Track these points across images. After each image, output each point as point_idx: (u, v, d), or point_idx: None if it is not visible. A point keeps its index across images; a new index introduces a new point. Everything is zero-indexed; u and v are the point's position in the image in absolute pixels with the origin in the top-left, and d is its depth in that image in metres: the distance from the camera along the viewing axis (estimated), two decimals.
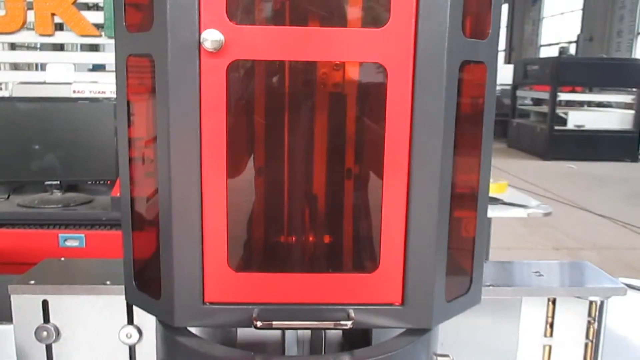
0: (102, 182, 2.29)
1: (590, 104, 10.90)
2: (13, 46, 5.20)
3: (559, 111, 9.81)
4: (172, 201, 0.60)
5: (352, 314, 0.62)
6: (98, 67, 6.08)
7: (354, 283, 0.63)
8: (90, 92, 3.64)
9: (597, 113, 10.26)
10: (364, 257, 0.67)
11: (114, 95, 2.99)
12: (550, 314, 0.90)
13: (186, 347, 0.62)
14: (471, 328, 0.85)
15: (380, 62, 0.59)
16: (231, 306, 0.62)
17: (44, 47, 5.30)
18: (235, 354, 0.61)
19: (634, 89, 9.69)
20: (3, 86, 4.81)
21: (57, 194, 2.23)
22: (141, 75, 0.66)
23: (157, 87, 0.59)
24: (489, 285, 0.85)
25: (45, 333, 0.83)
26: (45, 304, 0.84)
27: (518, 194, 2.44)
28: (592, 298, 0.88)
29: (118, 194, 2.12)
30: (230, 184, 0.60)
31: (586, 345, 0.91)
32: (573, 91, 10.38)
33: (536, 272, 0.91)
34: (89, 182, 2.31)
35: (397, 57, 0.58)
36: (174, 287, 0.62)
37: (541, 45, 17.68)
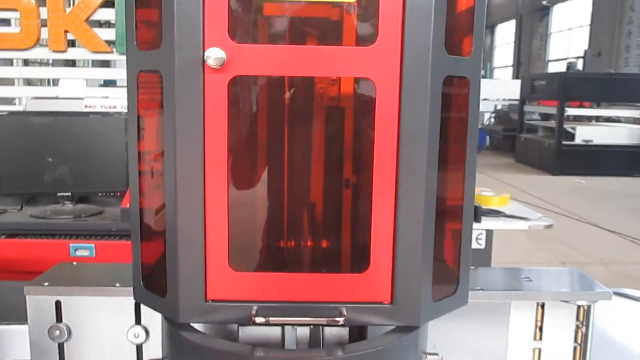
0: (112, 193, 2.35)
1: (598, 119, 10.91)
2: (26, 62, 5.33)
3: (567, 126, 9.82)
4: (177, 207, 0.65)
5: (345, 312, 0.66)
6: (109, 83, 6.20)
7: (346, 283, 0.68)
8: (102, 107, 3.73)
9: (605, 128, 10.26)
10: (356, 259, 0.71)
11: (125, 110, 3.06)
12: (539, 318, 0.93)
13: (190, 342, 0.66)
14: (462, 331, 0.89)
15: (369, 77, 0.64)
16: (232, 304, 0.67)
17: (56, 63, 5.43)
18: (236, 347, 0.66)
19: None
20: (17, 101, 4.93)
21: (69, 205, 2.29)
22: (151, 90, 0.71)
23: (165, 100, 0.64)
24: (479, 289, 0.89)
25: (57, 332, 0.88)
26: (58, 304, 0.89)
27: (520, 207, 2.47)
28: (579, 302, 0.91)
29: (127, 206, 2.18)
30: (231, 191, 0.65)
31: (575, 348, 0.94)
32: (581, 106, 10.40)
33: (526, 278, 0.95)
34: (100, 194, 2.38)
35: (384, 72, 0.63)
36: (178, 286, 0.67)
37: (549, 61, 17.73)
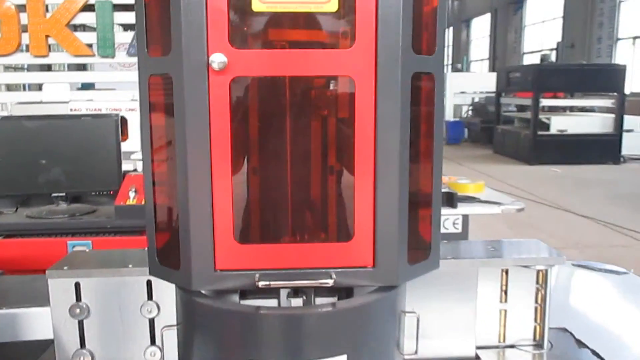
0: (105, 192, 2.44)
1: (572, 109, 11.18)
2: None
3: (542, 117, 10.07)
4: (188, 189, 0.76)
5: (334, 275, 0.78)
6: (87, 86, 6.24)
7: (334, 251, 0.79)
8: (87, 109, 3.81)
9: (578, 118, 10.53)
10: (342, 230, 0.83)
11: (110, 112, 3.13)
12: (504, 283, 1.06)
13: (203, 305, 0.77)
14: (436, 295, 1.01)
15: (349, 75, 0.75)
16: (237, 272, 0.78)
17: (31, 68, 5.44)
18: (242, 307, 0.77)
19: (614, 93, 9.96)
20: (1, 107, 4.96)
21: (63, 205, 2.37)
22: (156, 92, 0.82)
23: (175, 98, 0.75)
24: (450, 258, 1.01)
25: (78, 310, 0.98)
26: (77, 285, 0.99)
27: (495, 193, 2.61)
28: (538, 267, 1.04)
29: (122, 203, 2.27)
30: (234, 175, 0.76)
31: (536, 308, 1.08)
32: (555, 97, 10.65)
33: (491, 248, 1.08)
34: (93, 194, 2.46)
35: (362, 71, 0.75)
36: (191, 259, 0.78)
37: (524, 53, 18.05)
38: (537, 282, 1.06)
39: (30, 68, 5.61)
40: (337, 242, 0.80)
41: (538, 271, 1.05)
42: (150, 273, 0.86)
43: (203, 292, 0.80)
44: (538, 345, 1.08)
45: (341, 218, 0.84)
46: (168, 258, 0.82)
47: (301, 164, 0.82)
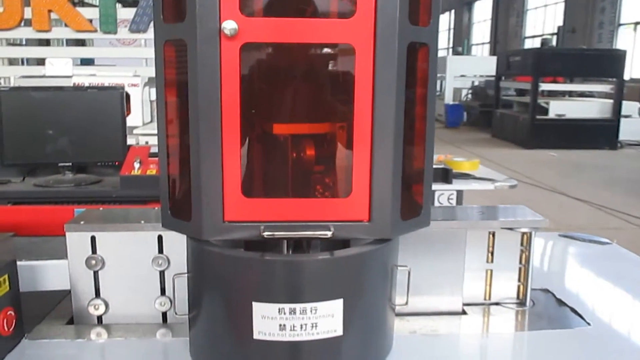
0: (110, 164, 2.50)
1: (571, 94, 11.22)
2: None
3: (541, 101, 10.11)
4: (200, 147, 0.83)
5: (332, 228, 0.85)
6: (87, 62, 6.27)
7: (334, 206, 0.87)
8: (90, 84, 3.85)
9: (577, 103, 10.58)
10: (341, 187, 0.90)
11: (116, 85, 3.18)
12: (490, 244, 1.14)
13: (213, 252, 0.85)
14: (427, 255, 1.09)
15: (350, 43, 0.82)
16: (244, 224, 0.85)
17: (29, 42, 5.47)
18: (249, 254, 0.84)
19: (614, 79, 9.99)
20: (2, 81, 5.00)
21: (69, 175, 2.44)
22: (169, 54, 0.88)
23: (189, 63, 0.81)
24: (441, 220, 1.08)
25: (93, 262, 1.06)
26: (93, 239, 1.06)
27: (488, 171, 2.69)
28: (523, 230, 1.12)
29: (127, 173, 2.33)
30: (242, 134, 0.83)
31: (520, 269, 1.15)
32: (554, 81, 10.68)
33: (480, 212, 1.15)
34: (98, 164, 2.53)
35: (362, 39, 0.81)
36: (202, 210, 0.85)
37: (525, 37, 18.02)
38: (522, 245, 1.14)
39: (28, 42, 5.62)
40: (336, 197, 0.88)
41: (523, 234, 1.13)
42: (163, 225, 0.93)
43: (212, 242, 0.87)
44: (521, 303, 1.16)
45: (340, 176, 0.91)
46: (180, 211, 0.90)
47: (304, 125, 0.89)
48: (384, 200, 0.86)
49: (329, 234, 0.84)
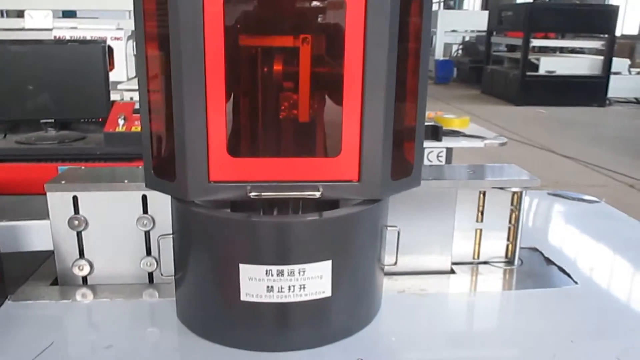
0: (93, 120, 2.45)
1: (562, 50, 11.13)
2: None
3: (532, 57, 10.02)
4: (184, 104, 0.79)
5: (321, 188, 0.83)
6: (69, 14, 6.06)
7: (323, 165, 0.84)
8: (71, 37, 3.73)
9: (568, 59, 10.50)
10: (330, 145, 0.88)
11: (97, 39, 3.08)
12: (481, 204, 1.13)
13: (198, 213, 0.82)
14: (417, 214, 1.08)
15: None
16: (230, 183, 0.83)
17: None
18: (235, 215, 0.82)
19: (605, 35, 9.90)
20: None
21: (52, 132, 2.39)
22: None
23: (170, 14, 0.77)
24: (431, 179, 1.07)
25: (76, 222, 1.03)
26: (75, 199, 1.03)
27: (479, 128, 2.67)
28: (513, 189, 1.11)
29: (111, 130, 2.29)
30: (227, 90, 0.79)
31: (509, 229, 1.15)
32: (546, 37, 10.57)
33: (470, 171, 1.14)
34: (82, 121, 2.47)
35: None
36: (186, 170, 0.82)
37: None
38: (512, 204, 1.13)
39: None
40: (325, 157, 0.85)
41: (513, 193, 1.12)
42: (147, 186, 0.90)
43: (197, 202, 0.85)
44: (509, 262, 1.16)
45: (329, 135, 0.88)
46: (164, 171, 0.87)
47: (292, 81, 0.85)
48: (374, 160, 0.84)
49: (317, 194, 0.82)
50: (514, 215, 1.14)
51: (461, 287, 1.07)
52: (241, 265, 0.80)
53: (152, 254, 1.06)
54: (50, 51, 2.35)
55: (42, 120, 2.35)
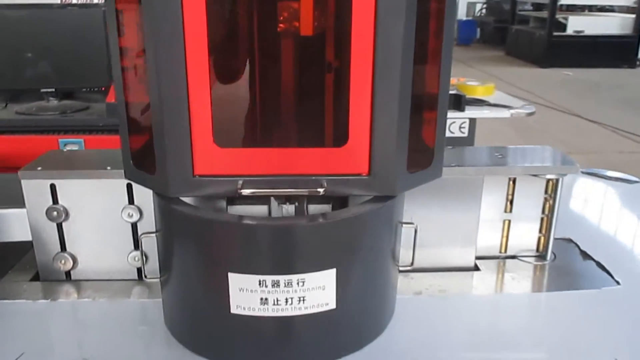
0: (96, 89, 2.33)
1: (591, 8, 10.62)
2: None
3: (559, 16, 9.58)
4: (161, 86, 0.67)
5: (325, 184, 0.71)
6: None
7: (326, 156, 0.71)
8: (69, 1, 3.58)
9: (597, 18, 10.02)
10: (336, 133, 0.75)
11: (98, 2, 2.95)
12: (510, 192, 0.99)
13: (179, 212, 0.71)
14: (437, 204, 0.95)
15: None
16: (218, 178, 0.71)
17: None
18: (224, 216, 0.71)
19: None
20: None
21: (54, 102, 2.28)
22: None
23: None
24: (454, 166, 0.93)
25: (55, 213, 0.93)
26: (53, 187, 0.93)
27: (504, 96, 2.49)
28: (549, 176, 0.97)
29: (113, 100, 2.17)
30: (212, 70, 0.66)
31: (542, 219, 1.02)
32: None
33: (499, 155, 1.00)
34: (84, 90, 2.36)
35: None
36: (166, 163, 0.70)
37: None
38: (546, 192, 0.99)
39: None
40: (329, 147, 0.72)
41: (548, 180, 0.98)
42: (127, 177, 0.79)
43: (181, 200, 0.73)
44: (541, 256, 1.03)
45: (334, 120, 0.75)
46: (144, 161, 0.75)
47: (288, 57, 0.72)
48: (387, 150, 0.71)
49: (320, 190, 0.70)
50: (547, 205, 1.00)
51: (486, 287, 0.95)
52: (230, 275, 0.69)
53: (141, 247, 0.95)
54: (48, 16, 2.22)
55: (42, 90, 2.24)
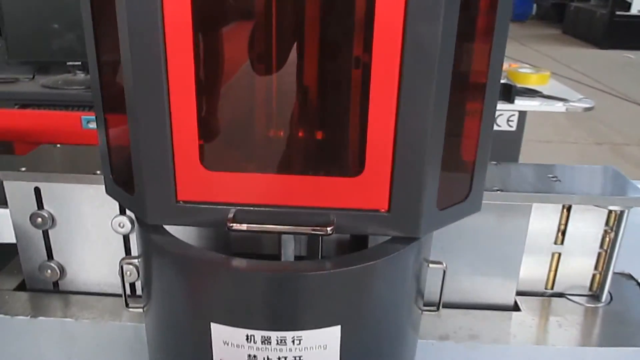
0: None
1: None
2: None
3: None
4: (135, 92, 0.55)
5: (334, 219, 0.58)
6: None
7: (337, 187, 0.58)
8: None
9: None
10: (349, 159, 0.61)
11: None
12: (563, 222, 0.84)
13: (159, 246, 0.59)
14: (474, 234, 0.81)
15: None
16: (206, 205, 0.59)
17: None
18: (207, 255, 0.58)
19: None
20: None
21: (80, 75, 2.21)
22: None
23: None
24: (497, 190, 0.79)
25: (40, 219, 0.83)
26: (37, 191, 0.83)
27: (560, 87, 2.27)
28: (611, 207, 0.81)
29: None
30: (201, 75, 0.54)
31: (599, 254, 0.86)
32: None
33: (553, 177, 0.84)
34: None
35: None
36: (144, 184, 0.58)
37: None
38: (607, 224, 0.83)
39: None
40: (341, 175, 0.58)
41: (610, 211, 0.82)
42: (107, 192, 0.68)
43: (163, 228, 0.61)
44: (594, 296, 0.87)
45: (349, 142, 0.61)
46: (123, 180, 0.64)
47: (290, 65, 0.58)
48: (413, 181, 0.57)
49: (328, 229, 0.57)
50: (608, 238, 0.84)
51: (525, 335, 0.80)
52: (213, 325, 0.57)
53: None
54: None
55: (68, 63, 2.17)
